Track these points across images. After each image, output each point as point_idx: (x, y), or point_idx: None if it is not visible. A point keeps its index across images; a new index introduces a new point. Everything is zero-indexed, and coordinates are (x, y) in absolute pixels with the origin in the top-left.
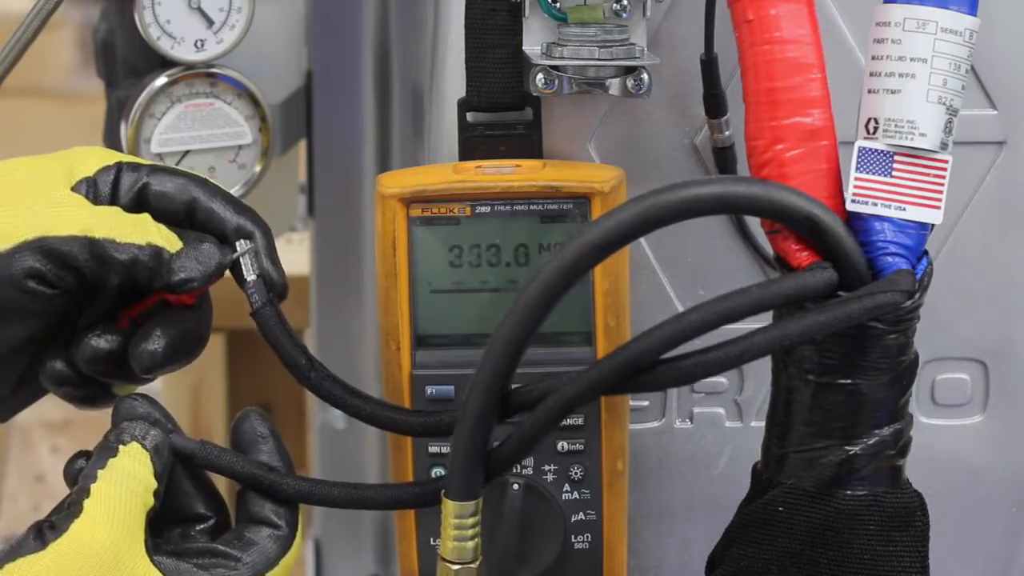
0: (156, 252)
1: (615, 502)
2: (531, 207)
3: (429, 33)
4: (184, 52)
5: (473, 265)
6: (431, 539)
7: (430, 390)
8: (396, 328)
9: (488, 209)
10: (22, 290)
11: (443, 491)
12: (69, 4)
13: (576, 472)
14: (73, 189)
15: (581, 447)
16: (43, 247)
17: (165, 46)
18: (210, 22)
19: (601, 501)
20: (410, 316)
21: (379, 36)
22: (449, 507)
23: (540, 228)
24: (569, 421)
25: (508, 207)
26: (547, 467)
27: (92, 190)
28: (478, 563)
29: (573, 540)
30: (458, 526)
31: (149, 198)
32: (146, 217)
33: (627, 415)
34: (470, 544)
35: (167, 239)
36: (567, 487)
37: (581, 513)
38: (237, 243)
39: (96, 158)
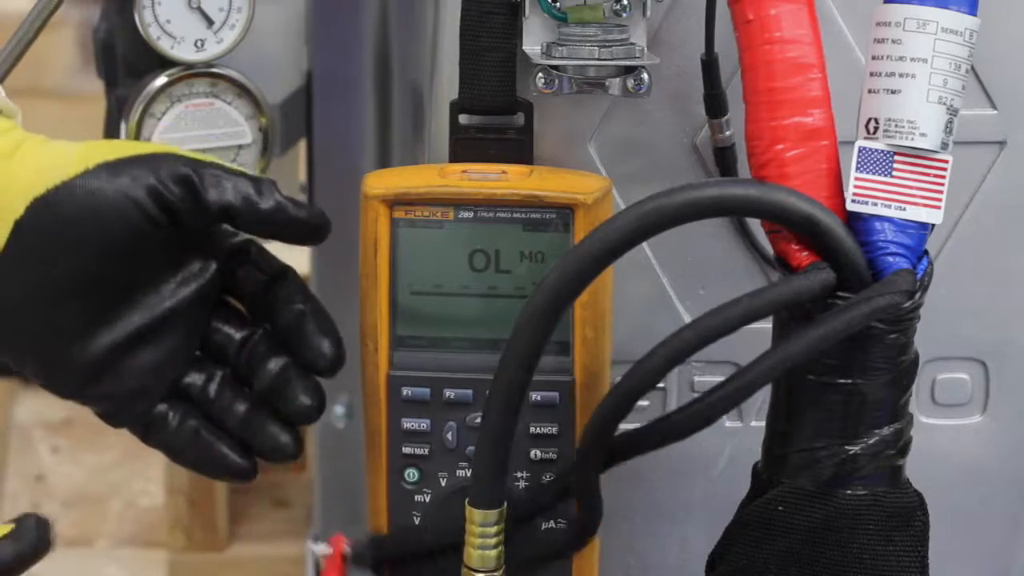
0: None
1: None
2: (514, 215)
3: (429, 34)
4: (184, 52)
5: (454, 269)
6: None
7: (406, 391)
8: (374, 328)
9: (471, 215)
10: (135, 201)
11: (467, 500)
12: (69, 4)
13: (548, 480)
14: None
15: (554, 455)
16: (163, 160)
17: (165, 46)
18: (210, 22)
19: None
20: (389, 316)
21: (379, 36)
22: (475, 515)
23: (522, 236)
24: (543, 430)
25: (491, 213)
26: (519, 474)
27: None
28: (501, 571)
29: None
30: (482, 534)
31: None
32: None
33: None
34: (493, 553)
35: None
36: None
37: (552, 521)
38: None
39: None
